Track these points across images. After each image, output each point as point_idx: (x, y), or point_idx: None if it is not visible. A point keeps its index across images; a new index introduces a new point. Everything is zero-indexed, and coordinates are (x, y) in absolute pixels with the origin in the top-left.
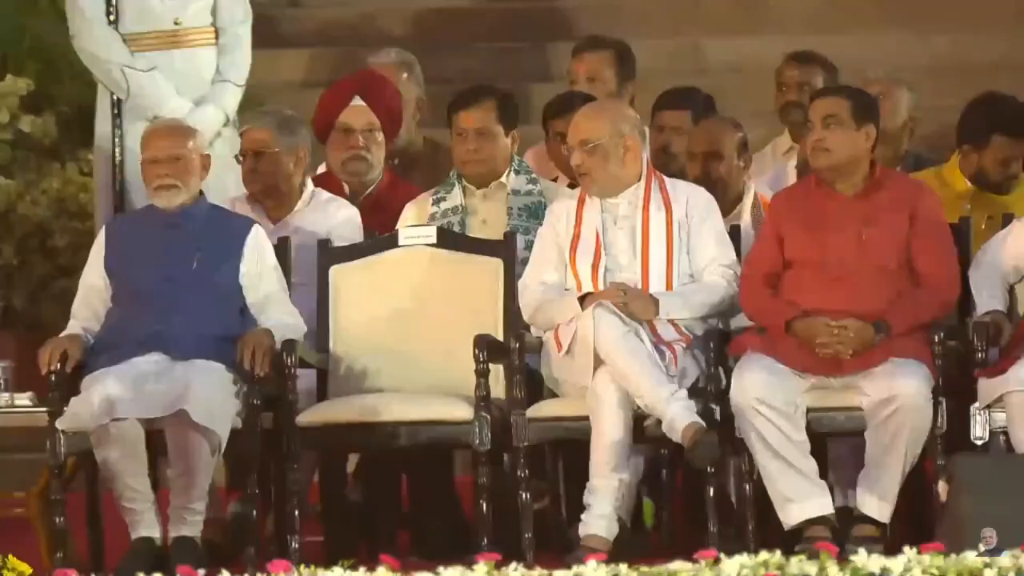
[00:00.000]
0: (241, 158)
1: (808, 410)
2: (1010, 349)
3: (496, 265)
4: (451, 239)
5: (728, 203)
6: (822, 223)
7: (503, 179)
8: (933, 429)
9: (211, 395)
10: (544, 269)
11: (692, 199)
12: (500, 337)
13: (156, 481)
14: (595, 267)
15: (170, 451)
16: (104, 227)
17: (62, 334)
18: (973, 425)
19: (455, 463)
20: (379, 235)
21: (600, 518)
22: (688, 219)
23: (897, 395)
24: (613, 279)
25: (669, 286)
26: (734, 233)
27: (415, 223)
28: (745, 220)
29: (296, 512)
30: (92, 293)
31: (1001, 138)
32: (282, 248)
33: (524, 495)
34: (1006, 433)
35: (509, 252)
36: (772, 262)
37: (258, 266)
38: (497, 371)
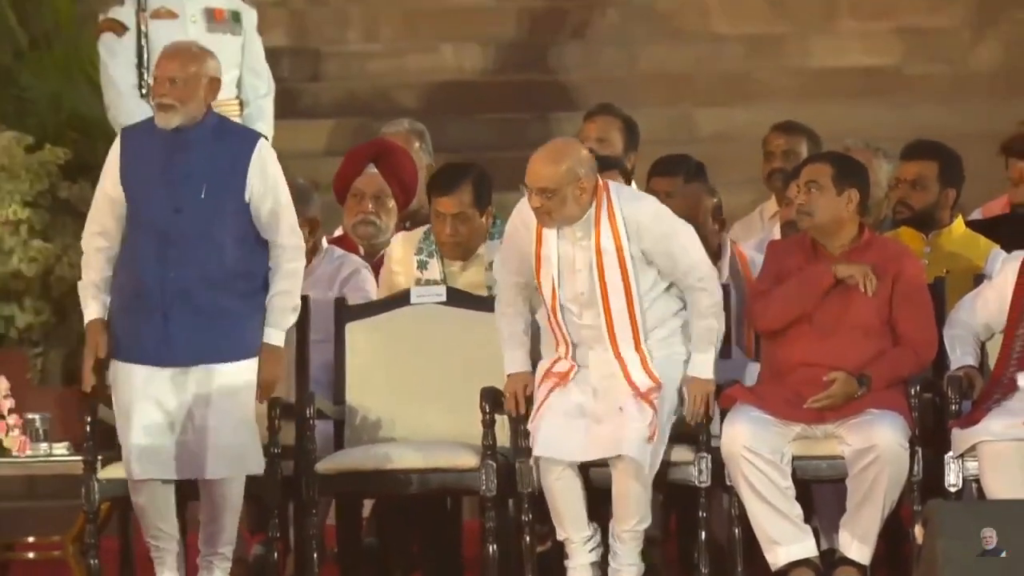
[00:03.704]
0: None
1: (793, 458)
2: (982, 401)
3: None
4: (460, 297)
5: None
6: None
7: (480, 251)
8: (910, 477)
9: (231, 443)
10: (511, 272)
11: (640, 215)
12: None
13: (185, 524)
14: (554, 299)
15: (202, 499)
16: (119, 137)
17: (85, 283)
18: (947, 473)
19: (463, 508)
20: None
21: (631, 566)
22: (640, 236)
23: (876, 444)
24: (569, 303)
25: (631, 308)
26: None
27: (401, 257)
28: (725, 274)
29: (314, 554)
30: (106, 204)
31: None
32: (302, 307)
33: (528, 539)
34: (978, 481)
35: None
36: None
37: (262, 183)
38: (503, 421)
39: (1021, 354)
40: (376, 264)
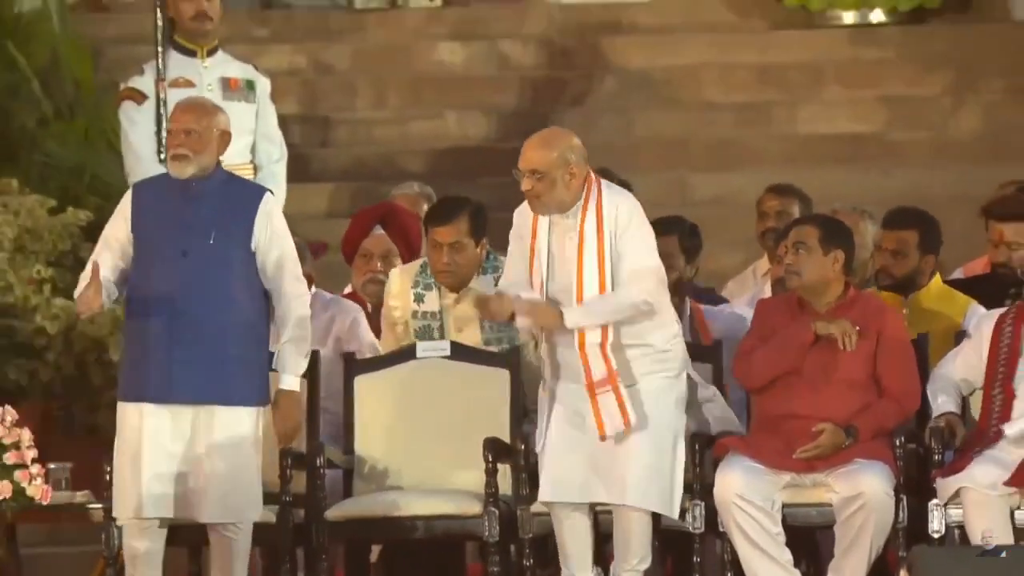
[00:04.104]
0: None
1: (784, 505)
2: (964, 451)
3: (503, 375)
4: (463, 352)
5: None
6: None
7: (472, 283)
8: (895, 523)
9: (233, 488)
10: (514, 276)
11: (620, 207)
12: (507, 440)
13: (201, 569)
14: (541, 292)
15: (212, 545)
16: (131, 190)
17: (85, 273)
18: (931, 520)
19: (466, 553)
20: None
21: None
22: (616, 226)
23: (863, 492)
24: (559, 293)
25: (603, 291)
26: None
27: (401, 309)
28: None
29: None
30: (116, 245)
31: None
32: (311, 360)
33: None
34: (961, 527)
35: (514, 363)
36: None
37: (268, 234)
38: (504, 470)
39: (1000, 412)
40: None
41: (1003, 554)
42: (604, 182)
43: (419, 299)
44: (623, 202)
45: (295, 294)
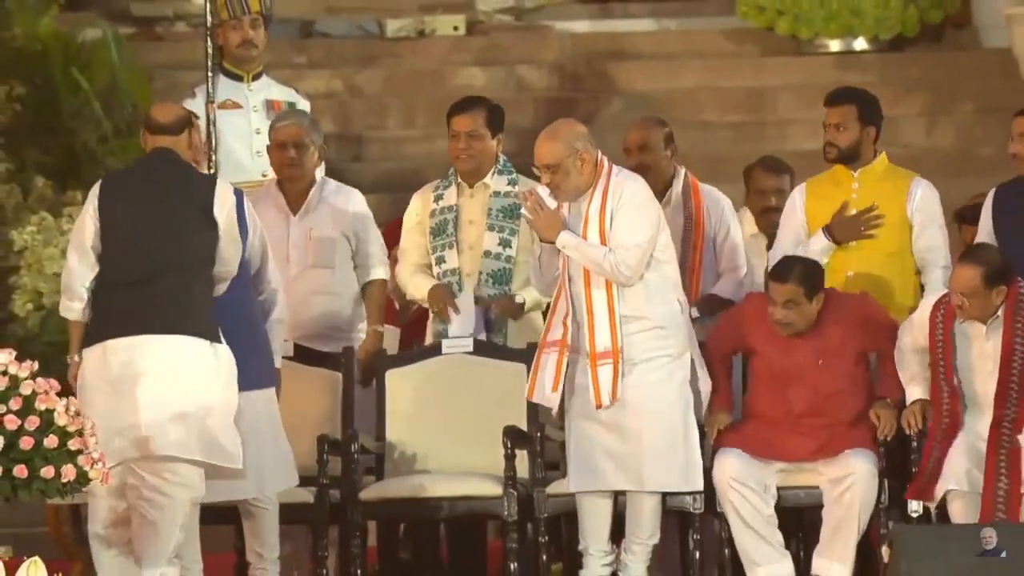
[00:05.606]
0: (280, 149)
1: (778, 488)
2: (928, 453)
3: (521, 368)
4: (485, 348)
5: (660, 186)
6: (785, 350)
7: (487, 179)
8: (878, 504)
9: (287, 458)
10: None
11: (625, 189)
12: (524, 428)
13: (243, 544)
14: (563, 269)
15: (245, 520)
16: None
17: None
18: (910, 502)
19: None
20: (422, 345)
21: None
22: (617, 204)
23: (852, 472)
24: (574, 270)
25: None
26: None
27: (420, 212)
28: (676, 194)
29: (359, 571)
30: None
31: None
32: (346, 358)
33: (544, 558)
34: (939, 507)
35: (531, 359)
36: (733, 346)
37: (254, 227)
38: (522, 455)
39: (950, 404)
40: (410, 318)
41: (1003, 554)
42: (616, 167)
43: (438, 199)
44: (628, 185)
45: (278, 279)
